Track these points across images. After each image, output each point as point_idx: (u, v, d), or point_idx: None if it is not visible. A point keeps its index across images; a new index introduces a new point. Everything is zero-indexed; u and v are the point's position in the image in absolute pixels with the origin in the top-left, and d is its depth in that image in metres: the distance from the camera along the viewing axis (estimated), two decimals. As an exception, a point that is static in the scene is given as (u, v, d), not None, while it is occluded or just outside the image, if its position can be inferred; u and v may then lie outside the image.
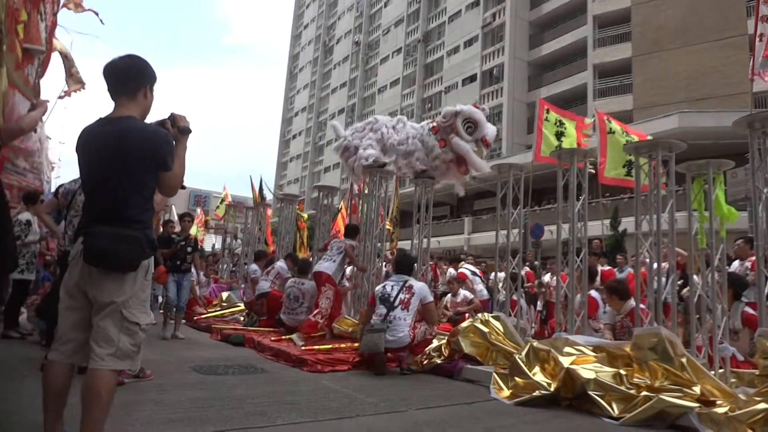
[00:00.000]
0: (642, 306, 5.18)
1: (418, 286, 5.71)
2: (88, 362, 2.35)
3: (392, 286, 5.64)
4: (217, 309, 10.17)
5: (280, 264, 9.05)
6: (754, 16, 5.20)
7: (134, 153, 2.44)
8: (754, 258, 6.28)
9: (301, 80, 63.29)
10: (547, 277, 9.54)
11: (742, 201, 8.05)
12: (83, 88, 9.45)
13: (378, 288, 5.83)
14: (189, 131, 2.70)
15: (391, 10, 48.19)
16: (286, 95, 67.18)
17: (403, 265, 5.93)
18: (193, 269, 8.18)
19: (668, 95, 25.82)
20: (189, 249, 7.43)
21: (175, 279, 7.24)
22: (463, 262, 11.04)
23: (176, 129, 2.66)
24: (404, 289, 5.57)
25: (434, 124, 7.47)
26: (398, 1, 47.43)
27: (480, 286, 9.36)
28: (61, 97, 9.08)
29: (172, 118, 2.69)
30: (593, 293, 6.43)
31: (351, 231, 7.93)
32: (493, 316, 5.70)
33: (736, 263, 7.05)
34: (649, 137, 8.65)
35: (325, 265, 7.36)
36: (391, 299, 5.50)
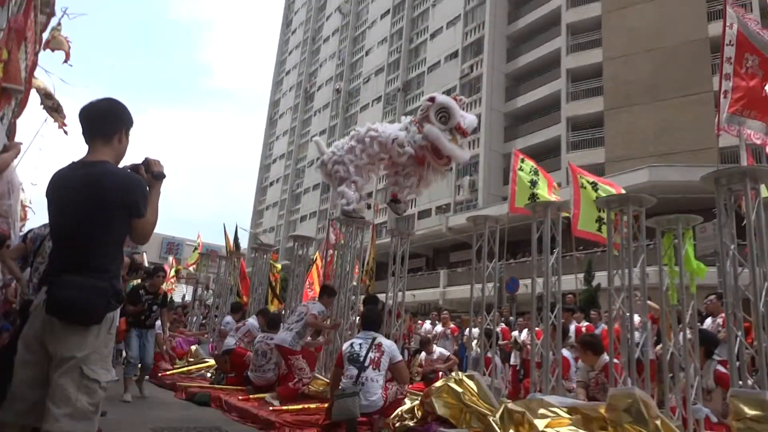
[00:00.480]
0: (616, 361, 5.14)
1: (387, 343, 5.49)
2: (42, 423, 2.20)
3: (360, 345, 5.37)
4: (184, 364, 9.85)
5: (252, 321, 8.72)
6: (719, 74, 5.40)
7: (107, 199, 2.38)
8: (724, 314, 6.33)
9: (281, 126, 63.80)
10: (522, 335, 9.42)
11: (711, 256, 8.15)
12: (65, 125, 9.38)
13: (345, 346, 5.53)
14: (163, 176, 2.65)
15: (372, 59, 49.32)
16: (265, 141, 67.50)
17: (370, 319, 5.70)
18: (159, 324, 7.85)
19: (639, 149, 26.51)
20: (155, 307, 7.02)
21: (138, 334, 6.87)
22: None
23: (150, 174, 2.61)
24: (373, 347, 5.32)
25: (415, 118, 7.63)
26: (379, 50, 48.63)
27: None
28: (61, 127, 8.97)
29: (146, 162, 2.63)
30: (565, 352, 6.37)
31: (323, 292, 7.56)
32: (467, 376, 5.58)
33: (708, 320, 7.09)
34: (622, 189, 8.82)
35: (282, 336, 7.01)
36: (361, 359, 5.24)
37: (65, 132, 8.94)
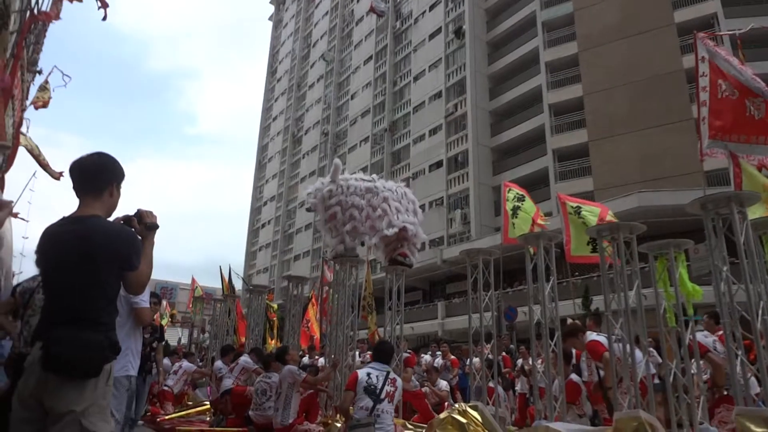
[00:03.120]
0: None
1: (399, 381, 5.35)
2: None
3: (377, 376, 5.15)
4: (183, 408, 9.66)
5: (244, 359, 8.61)
6: (696, 102, 5.58)
7: (98, 254, 2.37)
8: (720, 333, 6.36)
9: (270, 170, 64.23)
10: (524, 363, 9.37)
11: (707, 276, 8.24)
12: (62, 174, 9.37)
13: (361, 374, 5.23)
14: (156, 227, 2.67)
15: (358, 102, 50.09)
16: (255, 184, 67.82)
17: (384, 352, 5.49)
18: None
19: (625, 176, 26.92)
20: (155, 344, 6.58)
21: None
22: None
23: (143, 226, 2.62)
24: (389, 380, 5.15)
25: None
26: (364, 94, 49.45)
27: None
28: (57, 178, 8.97)
29: (139, 214, 2.65)
30: (574, 377, 6.32)
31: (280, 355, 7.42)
32: (470, 406, 5.54)
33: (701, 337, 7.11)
34: (609, 212, 8.92)
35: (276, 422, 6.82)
36: (378, 391, 5.05)
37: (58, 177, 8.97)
